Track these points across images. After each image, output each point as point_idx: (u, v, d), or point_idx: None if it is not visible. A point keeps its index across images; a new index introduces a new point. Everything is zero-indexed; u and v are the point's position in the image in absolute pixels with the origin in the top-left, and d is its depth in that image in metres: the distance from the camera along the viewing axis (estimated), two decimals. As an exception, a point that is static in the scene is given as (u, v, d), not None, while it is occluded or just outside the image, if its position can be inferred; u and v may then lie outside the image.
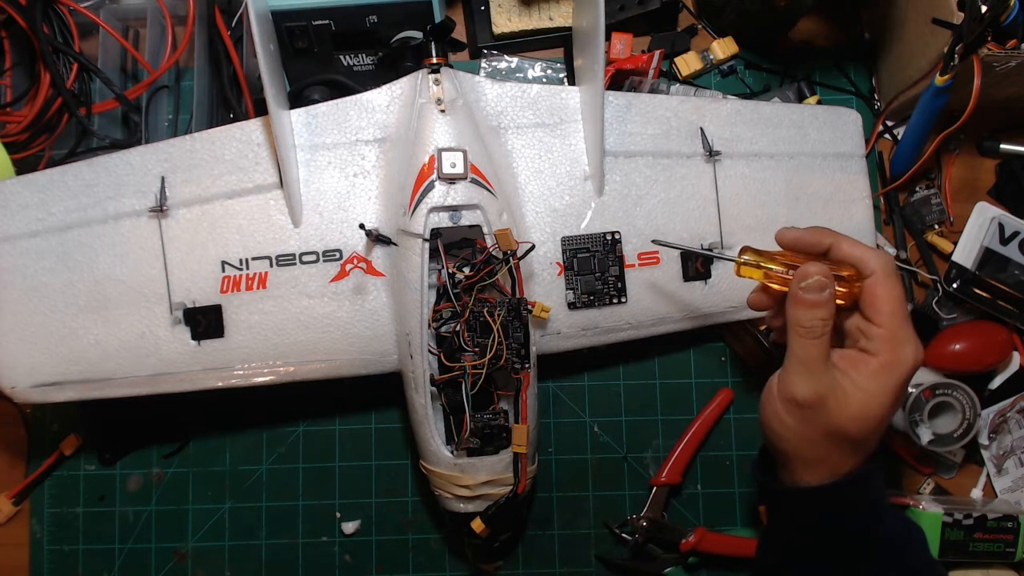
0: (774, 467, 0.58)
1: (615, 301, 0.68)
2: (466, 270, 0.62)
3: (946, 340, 0.73)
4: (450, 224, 0.62)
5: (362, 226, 0.63)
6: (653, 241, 0.64)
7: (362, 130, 0.66)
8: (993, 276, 0.73)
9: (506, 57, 0.78)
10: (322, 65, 0.72)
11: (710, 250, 0.56)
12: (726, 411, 0.75)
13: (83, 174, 0.65)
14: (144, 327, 0.65)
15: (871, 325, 0.51)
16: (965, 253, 0.74)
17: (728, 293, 0.71)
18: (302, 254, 0.66)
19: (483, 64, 0.78)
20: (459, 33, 0.78)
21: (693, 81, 0.79)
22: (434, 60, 0.65)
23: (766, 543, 0.62)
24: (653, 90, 0.76)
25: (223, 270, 0.65)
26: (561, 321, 0.68)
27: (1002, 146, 0.78)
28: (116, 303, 0.65)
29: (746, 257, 0.55)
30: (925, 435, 0.70)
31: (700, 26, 0.80)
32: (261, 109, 0.67)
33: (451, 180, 0.62)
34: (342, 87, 0.71)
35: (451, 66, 0.66)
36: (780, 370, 0.53)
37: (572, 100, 0.69)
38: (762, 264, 0.54)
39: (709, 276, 0.70)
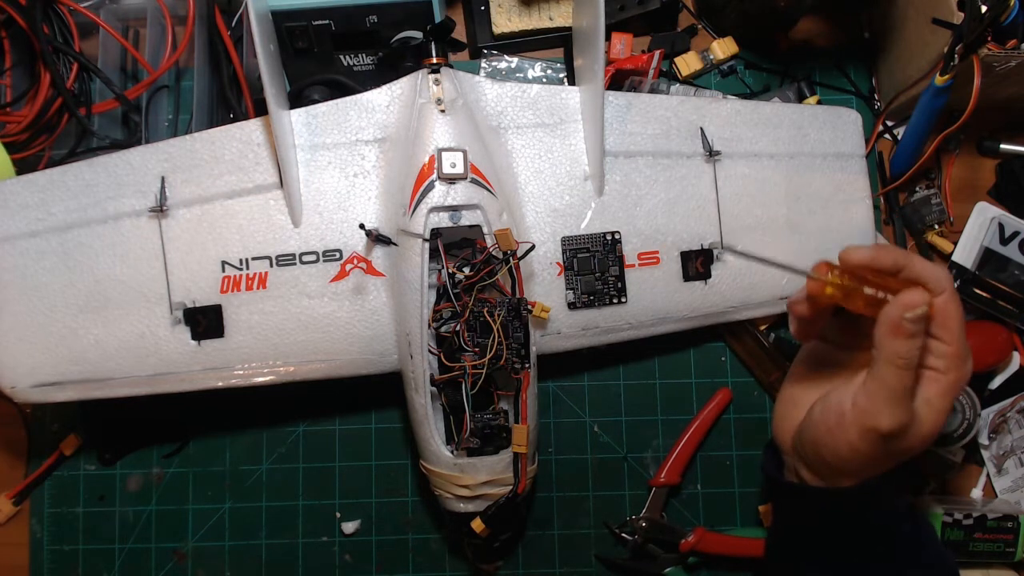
0: (782, 466, 0.58)
1: (615, 301, 0.68)
2: (466, 270, 0.62)
3: (946, 340, 0.73)
4: (450, 224, 0.62)
5: (362, 226, 0.63)
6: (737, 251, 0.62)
7: (362, 130, 0.66)
8: (993, 276, 0.73)
9: (506, 57, 0.78)
10: (322, 65, 0.72)
11: (795, 270, 0.52)
12: (725, 411, 0.75)
13: (83, 174, 0.65)
14: (144, 327, 0.65)
15: (940, 344, 0.50)
16: (965, 253, 0.74)
17: (728, 293, 0.71)
18: (302, 254, 0.66)
19: (483, 64, 0.78)
20: (459, 33, 0.78)
21: (693, 81, 0.79)
22: (434, 60, 0.65)
23: (779, 544, 0.62)
24: (653, 90, 0.76)
25: (223, 270, 0.65)
26: (561, 321, 0.68)
27: (1002, 146, 0.78)
28: (116, 303, 0.65)
29: (831, 278, 0.49)
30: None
31: (700, 26, 0.80)
32: (261, 109, 0.67)
33: (451, 180, 0.62)
34: (342, 87, 0.71)
35: (451, 66, 0.66)
36: (858, 396, 0.50)
37: (572, 100, 0.69)
38: (852, 285, 0.49)
39: (709, 276, 0.70)
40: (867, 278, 0.49)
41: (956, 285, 0.74)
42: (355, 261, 0.66)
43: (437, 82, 0.64)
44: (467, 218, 0.62)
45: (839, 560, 0.55)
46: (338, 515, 0.74)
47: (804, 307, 0.53)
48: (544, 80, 0.78)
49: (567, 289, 0.68)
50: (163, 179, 0.65)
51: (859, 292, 0.49)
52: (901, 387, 0.48)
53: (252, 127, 0.66)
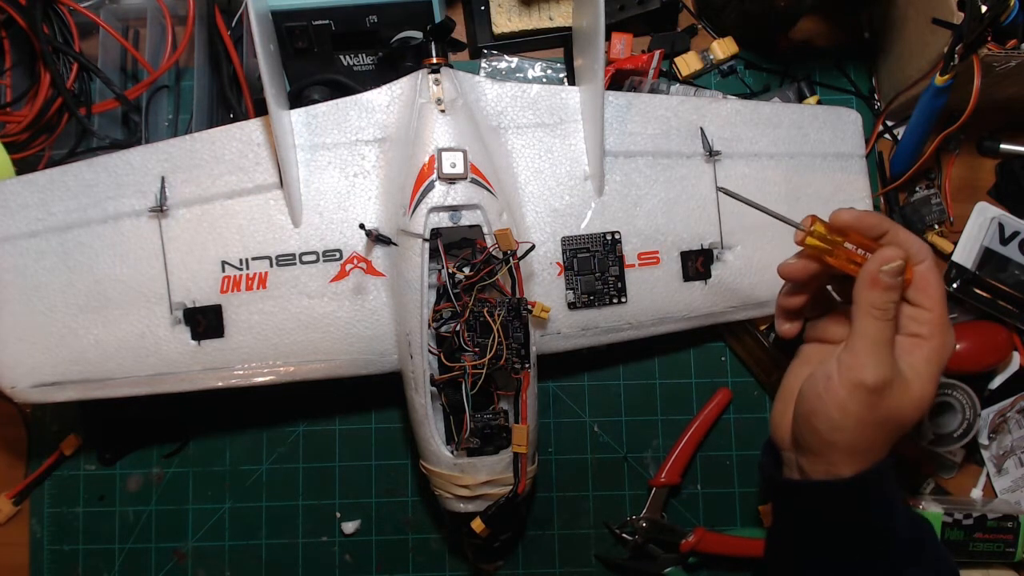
0: (781, 465, 0.58)
1: (615, 301, 0.68)
2: (466, 270, 0.62)
3: (946, 340, 0.73)
4: (450, 224, 0.62)
5: (362, 226, 0.63)
6: (719, 188, 0.64)
7: (362, 130, 0.66)
8: (993, 276, 0.73)
9: (506, 57, 0.78)
10: (322, 65, 0.72)
11: (785, 219, 0.55)
12: (725, 411, 0.75)
13: (83, 174, 0.65)
14: (144, 327, 0.65)
15: (921, 310, 0.52)
16: (965, 253, 0.74)
17: (728, 293, 0.71)
18: (302, 254, 0.66)
19: (483, 64, 0.78)
20: (459, 33, 0.78)
21: (693, 81, 0.79)
22: (434, 60, 0.65)
23: (778, 544, 0.62)
24: (653, 90, 0.76)
25: (223, 270, 0.65)
26: (561, 321, 0.68)
27: (1002, 146, 0.78)
28: (116, 303, 0.65)
29: (815, 228, 0.53)
30: (925, 435, 0.70)
31: (700, 26, 0.80)
32: (261, 109, 0.67)
33: (451, 180, 0.62)
34: (342, 87, 0.71)
35: (451, 66, 0.66)
36: (842, 355, 0.52)
37: (572, 100, 0.69)
38: (834, 239, 0.53)
39: (709, 276, 0.70)
40: (852, 239, 0.53)
41: (956, 285, 0.74)
42: (355, 261, 0.66)
43: (437, 82, 0.64)
44: (467, 218, 0.62)
45: (839, 559, 0.55)
46: (338, 515, 0.74)
47: (794, 266, 0.56)
48: (544, 80, 0.78)
49: (567, 289, 0.68)
50: (163, 179, 0.65)
51: (841, 247, 0.53)
52: (880, 337, 0.51)
53: (252, 127, 0.66)
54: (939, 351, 0.52)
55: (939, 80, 0.65)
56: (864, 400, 0.51)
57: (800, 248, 0.54)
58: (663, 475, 0.73)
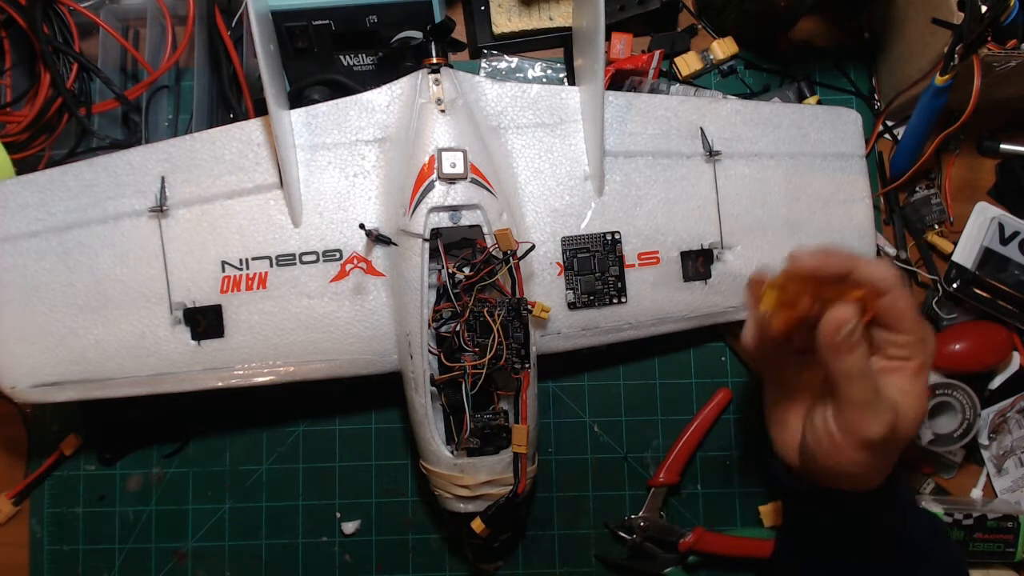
0: (790, 470, 0.58)
1: (615, 301, 0.68)
2: (466, 270, 0.62)
3: (946, 340, 0.73)
4: (450, 224, 0.62)
5: (362, 226, 0.63)
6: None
7: (362, 130, 0.66)
8: (993, 276, 0.73)
9: (506, 57, 0.78)
10: (322, 65, 0.72)
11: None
12: (724, 411, 0.75)
13: (83, 174, 0.65)
14: (144, 327, 0.65)
15: (898, 335, 0.51)
16: (965, 253, 0.74)
17: (728, 293, 0.71)
18: (302, 254, 0.66)
19: (483, 64, 0.78)
20: (459, 33, 0.78)
21: (693, 81, 0.79)
22: (434, 60, 0.65)
23: (790, 544, 0.62)
24: (653, 90, 0.76)
25: (223, 270, 0.65)
26: (561, 321, 0.68)
27: (1002, 146, 0.78)
28: (116, 303, 0.65)
29: (768, 304, 0.51)
30: (925, 435, 0.70)
31: (700, 26, 0.80)
32: (261, 109, 0.67)
33: (451, 180, 0.62)
34: (342, 87, 0.71)
35: (451, 66, 0.66)
36: (837, 419, 0.50)
37: (572, 100, 0.69)
38: (789, 302, 0.51)
39: (709, 276, 0.70)
40: (805, 285, 0.50)
41: (956, 285, 0.74)
42: (355, 261, 0.66)
43: (437, 82, 0.64)
44: (467, 218, 0.62)
45: (855, 561, 0.55)
46: (338, 515, 0.74)
47: (752, 341, 0.55)
48: (544, 80, 0.78)
49: (567, 289, 0.68)
50: (163, 179, 0.65)
51: (800, 309, 0.50)
52: (869, 394, 0.49)
53: (252, 127, 0.66)
54: (923, 367, 0.51)
55: (939, 80, 0.66)
56: (875, 450, 0.50)
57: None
58: (662, 475, 0.73)
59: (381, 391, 0.70)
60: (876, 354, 0.53)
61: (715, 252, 0.71)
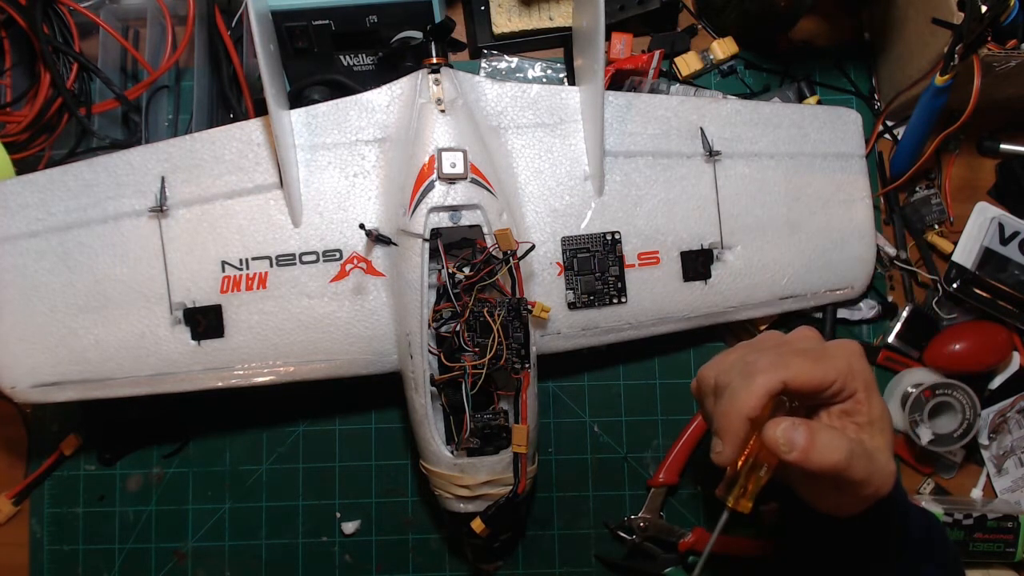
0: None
1: (615, 301, 0.68)
2: (466, 270, 0.62)
3: (946, 340, 0.73)
4: (450, 224, 0.62)
5: (362, 226, 0.63)
6: None
7: (362, 130, 0.66)
8: (993, 276, 0.73)
9: (506, 57, 0.78)
10: (322, 65, 0.72)
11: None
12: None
13: (83, 174, 0.65)
14: (144, 327, 0.65)
15: (827, 390, 0.48)
16: (965, 253, 0.74)
17: (728, 293, 0.71)
18: (302, 254, 0.66)
19: (483, 64, 0.78)
20: (459, 33, 0.78)
21: (693, 81, 0.79)
22: (434, 60, 0.65)
23: (791, 548, 0.62)
24: (653, 90, 0.76)
25: (223, 270, 0.65)
26: (561, 321, 0.68)
27: (1002, 146, 0.78)
28: (116, 303, 0.65)
29: (735, 498, 0.49)
30: (925, 435, 0.70)
31: (700, 26, 0.80)
32: (261, 109, 0.67)
33: (451, 180, 0.62)
34: (342, 87, 0.71)
35: (451, 66, 0.66)
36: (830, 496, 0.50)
37: (572, 100, 0.69)
38: (752, 486, 0.49)
39: (709, 276, 0.70)
40: (753, 452, 0.49)
41: (956, 285, 0.74)
42: (355, 261, 0.65)
43: (437, 82, 0.64)
44: (467, 218, 0.62)
45: (856, 562, 0.55)
46: (338, 515, 0.74)
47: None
48: (544, 80, 0.78)
49: (567, 289, 0.68)
50: (163, 179, 0.65)
51: (762, 478, 0.49)
52: (864, 468, 0.47)
53: (252, 127, 0.66)
54: (886, 427, 0.49)
55: (939, 80, 0.66)
56: (858, 498, 0.49)
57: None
58: (661, 475, 0.73)
59: (381, 391, 0.70)
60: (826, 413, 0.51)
61: (715, 252, 0.71)
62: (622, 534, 0.73)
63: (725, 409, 0.48)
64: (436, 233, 0.62)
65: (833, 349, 0.49)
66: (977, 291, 0.74)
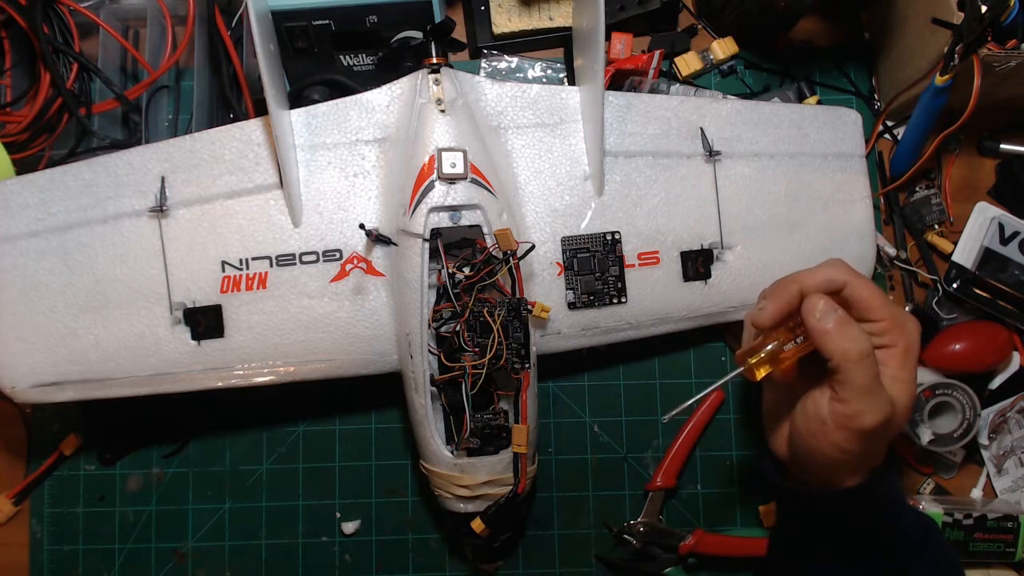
0: (783, 470, 0.58)
1: (615, 301, 0.68)
2: (466, 270, 0.62)
3: (946, 340, 0.73)
4: (450, 224, 0.62)
5: (362, 226, 0.63)
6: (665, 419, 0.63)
7: (362, 130, 0.66)
8: (993, 276, 0.73)
9: (506, 57, 0.78)
10: (322, 65, 0.72)
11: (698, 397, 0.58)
12: (720, 412, 0.75)
13: (83, 174, 0.65)
14: (144, 327, 0.65)
15: (873, 323, 0.52)
16: (965, 253, 0.74)
17: (728, 293, 0.71)
18: (302, 254, 0.66)
19: (483, 64, 0.78)
20: (459, 33, 0.78)
21: (693, 81, 0.79)
22: (434, 60, 0.65)
23: (783, 544, 0.62)
24: (653, 90, 0.76)
25: (223, 270, 0.65)
26: (561, 321, 0.68)
27: (1002, 146, 0.78)
28: (116, 303, 0.65)
29: (753, 360, 0.54)
30: (925, 435, 0.70)
31: (700, 26, 0.80)
32: (261, 109, 0.67)
33: (451, 180, 0.62)
34: (342, 87, 0.71)
35: (451, 66, 0.66)
36: (833, 404, 0.51)
37: (572, 100, 0.69)
38: (770, 352, 0.53)
39: (709, 276, 0.70)
40: (781, 334, 0.53)
41: (956, 285, 0.74)
42: (355, 261, 0.66)
43: (437, 82, 0.64)
44: (467, 218, 0.62)
45: (848, 560, 0.55)
46: (338, 515, 0.74)
47: (772, 399, 0.59)
48: (544, 80, 0.78)
49: (567, 289, 0.68)
50: (163, 179, 0.65)
51: (784, 351, 0.53)
52: (869, 380, 0.50)
53: (252, 127, 0.66)
54: (910, 348, 0.52)
55: (939, 80, 0.66)
56: (866, 439, 0.51)
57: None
58: (659, 479, 0.73)
59: (381, 391, 0.70)
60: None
61: (715, 252, 0.71)
62: (627, 537, 0.73)
63: (784, 280, 0.54)
64: (436, 233, 0.62)
65: (904, 312, 0.54)
66: (977, 291, 0.74)
